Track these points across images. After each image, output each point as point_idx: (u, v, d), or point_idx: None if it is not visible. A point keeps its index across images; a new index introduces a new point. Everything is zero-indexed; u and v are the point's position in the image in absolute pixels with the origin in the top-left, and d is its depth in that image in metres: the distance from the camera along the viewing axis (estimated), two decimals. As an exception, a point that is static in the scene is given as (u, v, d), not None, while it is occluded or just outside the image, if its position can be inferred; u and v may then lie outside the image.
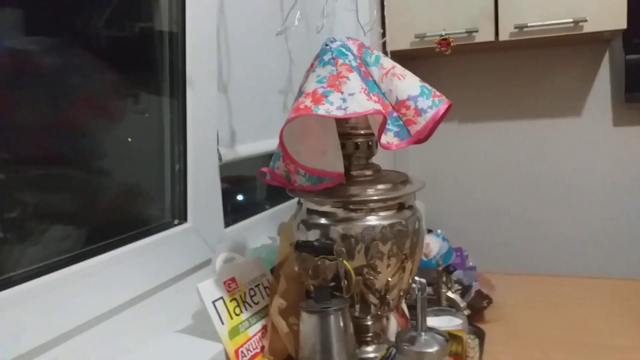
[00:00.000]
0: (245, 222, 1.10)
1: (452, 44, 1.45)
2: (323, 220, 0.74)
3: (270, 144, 1.15)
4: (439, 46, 1.46)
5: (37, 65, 0.86)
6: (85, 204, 0.94)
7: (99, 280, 0.73)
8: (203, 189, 0.93)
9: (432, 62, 1.86)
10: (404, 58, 1.71)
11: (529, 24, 1.48)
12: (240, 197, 1.24)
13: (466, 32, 1.51)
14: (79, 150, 0.96)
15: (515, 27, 1.49)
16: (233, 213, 1.10)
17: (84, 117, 0.95)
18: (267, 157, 1.41)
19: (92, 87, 0.96)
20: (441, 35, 1.46)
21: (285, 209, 1.27)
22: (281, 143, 0.65)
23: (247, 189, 1.31)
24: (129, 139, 0.99)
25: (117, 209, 0.96)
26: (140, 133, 0.97)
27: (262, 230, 1.14)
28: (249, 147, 1.08)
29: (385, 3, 1.59)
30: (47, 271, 0.70)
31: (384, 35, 1.56)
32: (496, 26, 1.52)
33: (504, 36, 1.51)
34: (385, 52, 1.57)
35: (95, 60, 0.94)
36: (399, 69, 0.72)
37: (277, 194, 1.37)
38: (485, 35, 1.52)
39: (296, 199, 1.30)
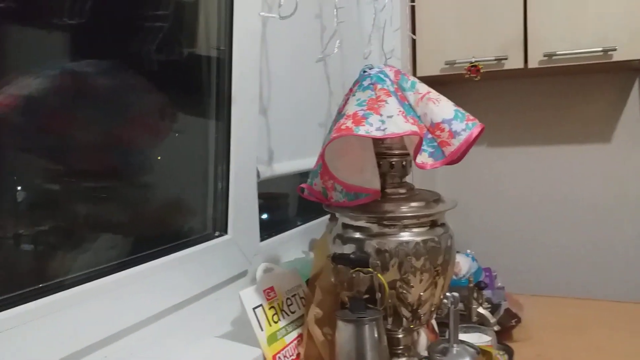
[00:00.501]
0: (279, 236, 1.14)
1: (481, 71, 1.50)
2: (358, 235, 0.78)
3: (304, 163, 1.20)
4: (469, 72, 1.50)
5: (94, 86, 0.93)
6: (134, 215, 1.00)
7: (147, 285, 0.78)
8: (242, 203, 0.98)
9: (461, 87, 1.90)
10: (433, 83, 1.75)
11: (558, 52, 1.51)
12: (273, 213, 1.29)
13: (495, 59, 1.55)
14: (128, 165, 1.02)
15: (545, 55, 1.52)
16: (267, 228, 1.15)
17: (134, 134, 1.02)
18: (298, 176, 1.46)
19: (143, 107, 1.03)
20: (471, 63, 1.51)
21: (316, 226, 1.31)
22: (322, 160, 0.70)
23: (280, 205, 1.36)
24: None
25: (163, 221, 1.02)
26: (187, 150, 1.03)
27: (295, 245, 1.19)
28: (284, 166, 1.13)
29: (416, 30, 1.64)
30: (99, 275, 0.75)
31: (414, 61, 1.61)
32: (525, 54, 1.55)
33: (533, 64, 1.55)
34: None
35: (147, 82, 1.01)
36: (434, 93, 0.77)
37: (307, 211, 1.42)
38: (514, 62, 1.55)
39: (327, 217, 1.34)
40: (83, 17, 0.88)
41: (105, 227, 0.96)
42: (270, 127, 1.06)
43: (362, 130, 0.64)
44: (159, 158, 1.03)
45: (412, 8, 1.60)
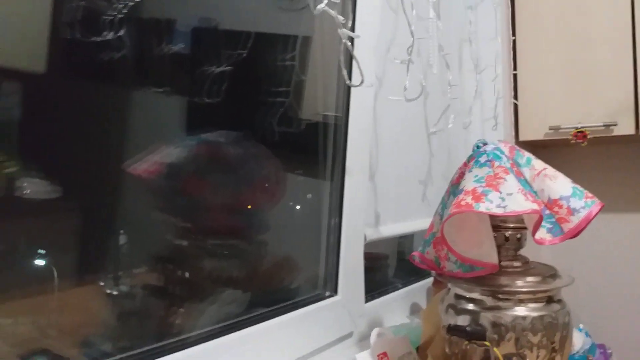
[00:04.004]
0: (382, 299, 1.17)
1: (588, 137, 1.47)
2: (472, 306, 0.79)
3: (407, 226, 1.23)
4: (575, 138, 1.48)
5: (224, 154, 1.04)
6: (252, 271, 1.08)
7: (263, 344, 0.82)
8: (350, 265, 1.02)
9: (566, 152, 1.85)
10: (535, 147, 1.74)
11: (672, 117, 1.45)
12: (374, 274, 1.32)
13: (604, 125, 1.52)
14: (249, 225, 1.11)
15: (658, 121, 1.47)
16: (368, 289, 1.17)
17: (255, 197, 1.11)
18: (396, 237, 1.49)
19: (263, 173, 1.13)
20: (577, 128, 1.49)
21: (417, 290, 1.32)
22: (442, 233, 0.73)
23: (380, 266, 1.39)
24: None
25: (278, 278, 1.09)
26: (302, 212, 1.11)
27: (397, 308, 1.20)
28: (389, 228, 1.17)
29: (518, 95, 1.65)
30: (213, 336, 0.78)
31: (516, 125, 1.61)
32: (637, 119, 1.50)
33: (645, 129, 1.49)
34: (517, 142, 1.61)
35: (268, 151, 1.11)
36: (550, 170, 0.78)
37: (407, 274, 1.43)
38: (624, 128, 1.51)
39: (427, 280, 1.35)
40: (219, 97, 0.99)
41: (226, 282, 1.04)
42: (376, 191, 1.11)
43: (482, 207, 0.67)
44: (280, 219, 1.11)
45: (515, 76, 1.62)
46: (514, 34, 1.63)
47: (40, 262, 1.12)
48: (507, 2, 1.59)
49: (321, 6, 0.54)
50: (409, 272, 1.43)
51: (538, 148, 1.81)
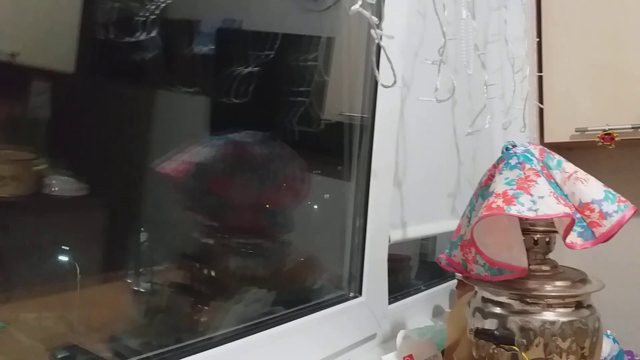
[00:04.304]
0: (404, 300, 1.16)
1: (616, 139, 1.44)
2: (499, 310, 0.78)
3: (431, 228, 1.22)
4: (602, 141, 1.45)
5: (251, 154, 1.05)
6: (277, 271, 1.08)
7: (287, 345, 0.83)
8: (375, 267, 1.02)
9: (592, 154, 1.82)
10: (560, 148, 1.71)
11: None
12: (396, 275, 1.32)
13: (632, 127, 1.49)
14: (274, 224, 1.12)
15: (689, 123, 1.44)
16: (391, 291, 1.17)
17: (280, 196, 1.12)
18: (419, 239, 1.48)
19: (288, 172, 1.13)
20: (604, 130, 1.46)
21: (440, 292, 1.31)
22: (471, 235, 0.72)
23: (403, 268, 1.38)
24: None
25: (302, 277, 1.09)
26: (327, 211, 1.11)
27: (420, 310, 1.20)
28: (413, 230, 1.16)
29: (543, 97, 1.63)
30: (237, 336, 0.78)
31: (541, 127, 1.59)
32: (667, 122, 1.47)
33: (675, 132, 1.46)
34: (542, 144, 1.59)
35: (294, 151, 1.11)
36: (582, 173, 0.77)
37: (429, 275, 1.42)
38: (653, 130, 1.48)
39: (449, 283, 1.34)
40: (246, 97, 1.00)
41: (251, 281, 1.05)
42: (401, 192, 1.11)
43: (513, 210, 0.66)
44: (304, 218, 1.12)
45: (540, 78, 1.60)
46: (539, 36, 1.61)
47: (68, 259, 1.14)
48: (531, 3, 1.57)
49: (355, 7, 0.54)
50: (431, 274, 1.43)
51: (563, 150, 1.78)
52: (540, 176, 0.71)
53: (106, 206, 1.32)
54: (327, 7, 1.29)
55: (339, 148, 1.09)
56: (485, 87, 0.98)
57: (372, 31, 0.61)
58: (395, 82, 0.65)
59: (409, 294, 1.22)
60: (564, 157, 0.79)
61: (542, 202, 0.67)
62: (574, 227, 0.73)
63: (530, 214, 0.66)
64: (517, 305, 0.77)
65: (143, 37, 0.84)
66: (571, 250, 0.73)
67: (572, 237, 0.72)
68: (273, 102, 1.06)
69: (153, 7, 0.82)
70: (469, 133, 1.00)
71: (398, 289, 1.21)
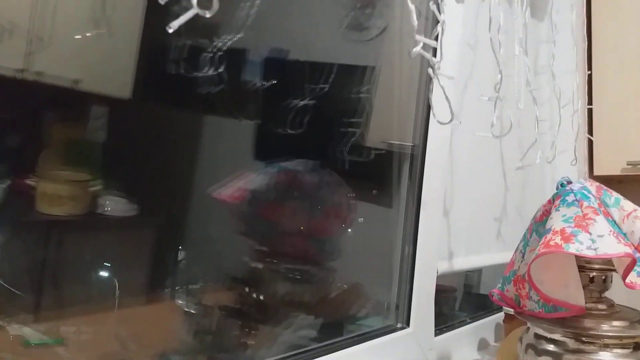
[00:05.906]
0: (451, 333, 1.15)
1: (670, 174, 1.40)
2: (553, 347, 0.77)
3: (479, 260, 1.22)
4: (656, 175, 1.42)
5: (302, 182, 1.08)
6: (324, 297, 1.09)
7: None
8: (423, 297, 1.02)
9: (642, 187, 1.77)
10: (609, 181, 1.67)
11: None
12: (441, 307, 1.31)
13: (687, 162, 1.45)
14: (322, 251, 1.13)
15: None
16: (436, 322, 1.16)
17: (328, 224, 1.14)
18: (464, 271, 1.46)
19: (337, 200, 1.15)
20: (658, 165, 1.43)
21: (485, 325, 1.29)
22: (528, 273, 0.72)
23: (448, 299, 1.37)
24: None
25: (349, 305, 1.10)
26: (374, 241, 1.12)
27: (466, 343, 1.18)
28: (461, 262, 1.16)
29: (593, 130, 1.60)
30: None
31: (590, 160, 1.57)
32: None
33: None
34: (591, 176, 1.57)
35: (342, 179, 1.14)
36: (641, 211, 0.76)
37: (474, 308, 1.41)
38: None
39: (495, 316, 1.32)
40: (301, 128, 1.04)
41: (299, 307, 1.06)
42: (449, 223, 1.11)
43: (572, 249, 0.66)
44: (349, 247, 1.13)
45: (590, 110, 1.58)
46: (589, 68, 1.60)
47: (119, 277, 1.18)
48: (583, 36, 1.56)
49: (417, 49, 0.56)
50: (476, 306, 1.41)
51: (613, 183, 1.74)
52: (598, 214, 0.71)
53: (157, 227, 1.36)
54: (371, 38, 1.32)
55: (388, 177, 1.11)
56: (536, 122, 0.98)
57: (431, 71, 0.63)
58: (452, 119, 0.66)
59: (454, 326, 1.20)
60: (614, 190, 0.78)
61: (601, 241, 0.67)
62: (635, 267, 0.72)
63: (589, 253, 0.66)
64: (572, 343, 0.75)
65: (210, 72, 0.89)
66: (630, 290, 0.72)
67: (632, 277, 0.71)
68: (325, 132, 1.09)
69: (220, 43, 0.87)
70: (519, 167, 1.00)
71: (442, 321, 1.20)
